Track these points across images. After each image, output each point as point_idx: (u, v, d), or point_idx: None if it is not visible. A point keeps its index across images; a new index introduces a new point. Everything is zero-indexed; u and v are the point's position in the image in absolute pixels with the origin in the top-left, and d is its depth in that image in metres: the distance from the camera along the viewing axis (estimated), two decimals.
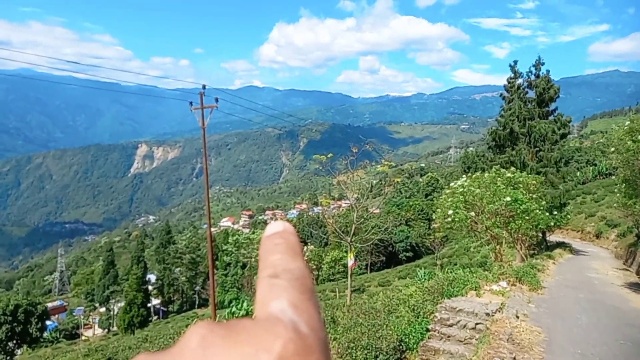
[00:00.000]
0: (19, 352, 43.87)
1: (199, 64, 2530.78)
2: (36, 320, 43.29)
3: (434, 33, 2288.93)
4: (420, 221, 61.16)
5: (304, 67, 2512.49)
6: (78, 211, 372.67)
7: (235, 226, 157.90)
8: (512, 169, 18.27)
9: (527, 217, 16.97)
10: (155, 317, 61.56)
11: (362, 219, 32.66)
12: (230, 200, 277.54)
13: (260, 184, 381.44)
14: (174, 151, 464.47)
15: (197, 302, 64.40)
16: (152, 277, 66.37)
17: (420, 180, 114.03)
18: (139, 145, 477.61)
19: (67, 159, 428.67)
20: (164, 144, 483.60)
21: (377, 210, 74.01)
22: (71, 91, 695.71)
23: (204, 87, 25.54)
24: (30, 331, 42.82)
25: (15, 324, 41.05)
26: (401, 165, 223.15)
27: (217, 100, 25.63)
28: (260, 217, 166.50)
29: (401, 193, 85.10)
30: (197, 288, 64.42)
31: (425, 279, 17.84)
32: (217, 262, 65.09)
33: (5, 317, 40.63)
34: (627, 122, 16.31)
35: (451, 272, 15.78)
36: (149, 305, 56.13)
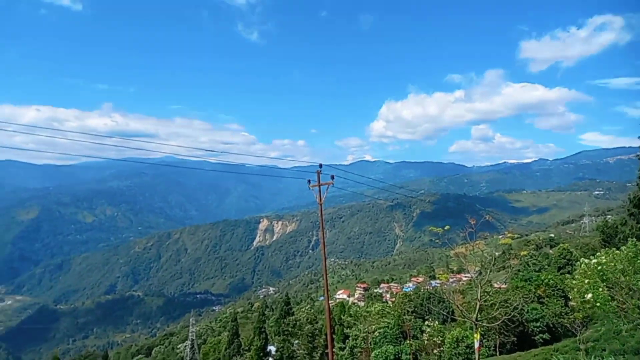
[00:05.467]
0: None
1: (314, 143, 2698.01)
2: None
3: (552, 97, 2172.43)
4: (555, 298, 54.73)
5: (413, 139, 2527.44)
6: (207, 282, 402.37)
7: (351, 299, 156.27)
8: None
9: None
10: None
11: (487, 295, 30.63)
12: (345, 273, 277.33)
13: (374, 255, 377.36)
14: (292, 225, 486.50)
15: None
16: (272, 349, 67.90)
17: (551, 252, 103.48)
18: (261, 220, 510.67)
19: (200, 234, 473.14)
20: (282, 218, 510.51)
21: (503, 285, 68.33)
22: (204, 174, 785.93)
23: (320, 166, 27.46)
24: None
25: None
26: (526, 235, 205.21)
27: (332, 177, 27.23)
28: (375, 290, 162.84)
29: (529, 266, 77.75)
30: None
31: None
32: (334, 335, 64.61)
33: None
34: None
35: None
36: None
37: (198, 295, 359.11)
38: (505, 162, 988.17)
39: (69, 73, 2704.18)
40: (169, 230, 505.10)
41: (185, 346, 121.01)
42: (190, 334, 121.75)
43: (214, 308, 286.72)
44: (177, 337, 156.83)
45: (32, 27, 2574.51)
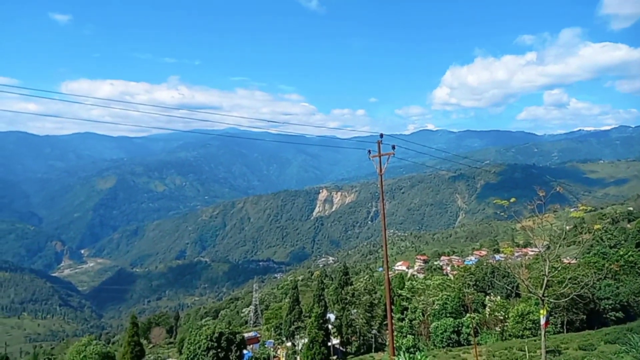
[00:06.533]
0: None
1: (374, 112, 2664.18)
2: (235, 348, 49.17)
3: (636, 57, 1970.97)
4: (632, 275, 51.14)
5: (479, 107, 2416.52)
6: (269, 250, 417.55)
7: (410, 271, 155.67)
8: None
9: None
10: (334, 357, 63.67)
11: (555, 270, 29.06)
12: (405, 244, 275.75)
13: (435, 228, 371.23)
14: (351, 196, 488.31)
15: (373, 346, 64.65)
16: (331, 317, 69.39)
17: (629, 226, 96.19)
18: (320, 190, 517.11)
19: (262, 203, 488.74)
20: (341, 189, 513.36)
21: (574, 261, 64.74)
22: (266, 144, 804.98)
23: (381, 135, 26.73)
24: (231, 358, 48.71)
25: (219, 350, 47.39)
26: (602, 209, 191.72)
27: (393, 147, 26.42)
28: (435, 263, 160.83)
29: (603, 241, 72.97)
30: (374, 331, 64.80)
31: None
32: (393, 307, 64.77)
33: (212, 343, 47.32)
34: None
35: None
36: (329, 344, 58.46)
37: (261, 263, 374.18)
38: (580, 130, 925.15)
39: (138, 47, 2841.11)
40: (233, 200, 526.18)
41: (249, 311, 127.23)
42: (253, 299, 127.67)
43: (275, 275, 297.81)
44: (242, 301, 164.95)
45: (105, 4, 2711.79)
